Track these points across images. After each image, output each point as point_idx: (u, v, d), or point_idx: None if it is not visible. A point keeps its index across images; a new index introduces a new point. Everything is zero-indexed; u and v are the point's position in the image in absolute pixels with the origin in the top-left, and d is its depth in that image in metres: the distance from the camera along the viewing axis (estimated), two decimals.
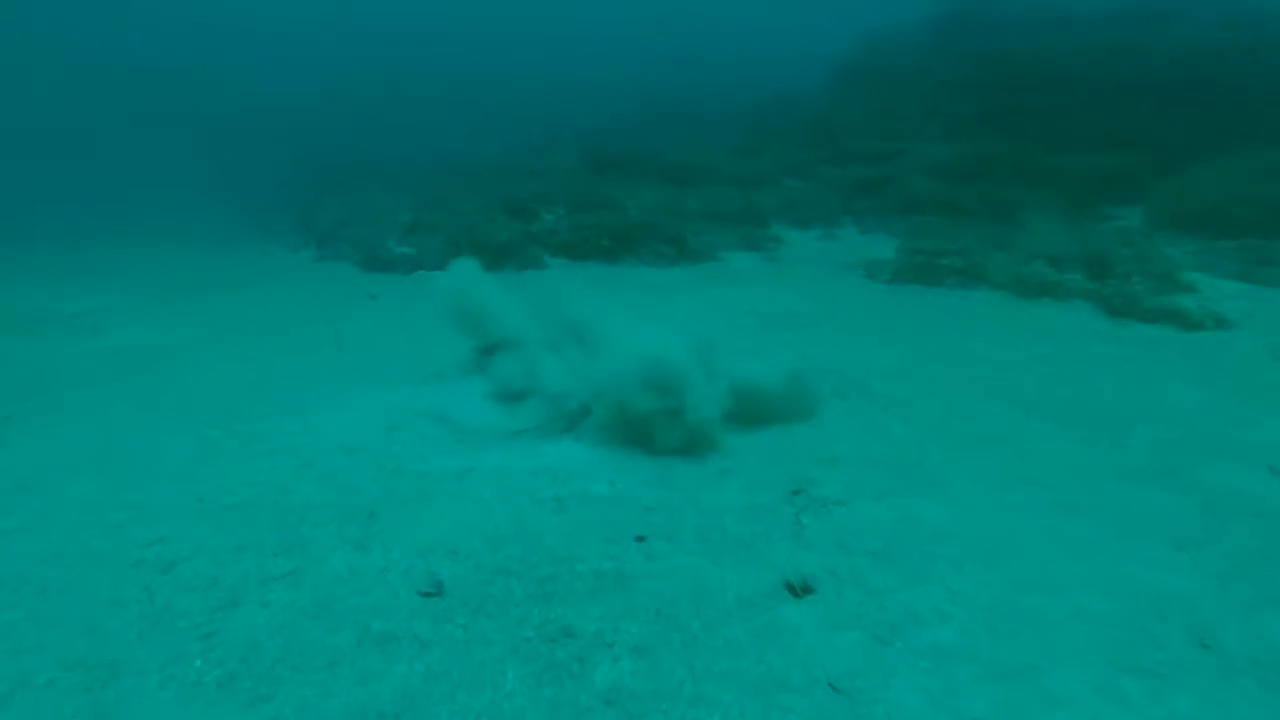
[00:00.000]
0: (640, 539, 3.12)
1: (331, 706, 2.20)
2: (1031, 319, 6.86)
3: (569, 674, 2.31)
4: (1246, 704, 2.18)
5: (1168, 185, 10.35)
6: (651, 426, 3.83)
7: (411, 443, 4.16)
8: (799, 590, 2.71)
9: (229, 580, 2.88)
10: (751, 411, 4.15)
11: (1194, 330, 6.32)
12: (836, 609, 2.62)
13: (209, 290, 9.44)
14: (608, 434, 4.01)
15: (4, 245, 14.27)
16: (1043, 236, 10.26)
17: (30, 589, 2.85)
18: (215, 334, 7.02)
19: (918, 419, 4.40)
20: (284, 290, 9.14)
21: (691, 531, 3.17)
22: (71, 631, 2.58)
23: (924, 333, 6.41)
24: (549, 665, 2.35)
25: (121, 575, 2.94)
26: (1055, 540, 3.09)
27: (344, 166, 20.15)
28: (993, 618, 2.56)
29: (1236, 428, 4.30)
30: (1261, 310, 6.85)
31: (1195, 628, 2.52)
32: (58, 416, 4.88)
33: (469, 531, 3.19)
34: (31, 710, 2.23)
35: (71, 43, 47.87)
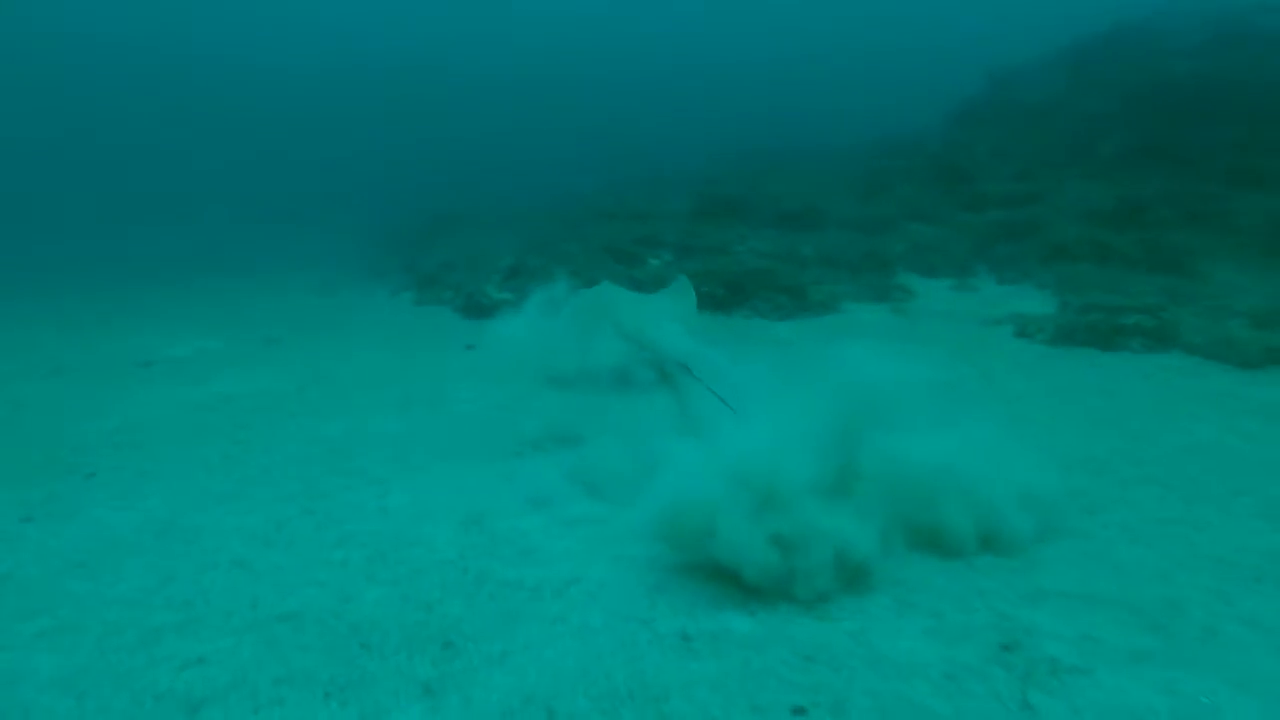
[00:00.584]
0: (799, 713, 2.26)
1: None
2: (1266, 394, 5.53)
3: None
4: None
5: None
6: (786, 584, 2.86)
7: (502, 537, 3.48)
8: None
9: None
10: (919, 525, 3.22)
11: None
12: None
13: (311, 332, 9.32)
14: None
15: (123, 283, 15.02)
16: (1233, 289, 8.79)
17: None
18: (312, 382, 6.69)
19: (1153, 538, 3.34)
20: (383, 336, 8.88)
21: (870, 703, 2.29)
22: None
23: (1124, 411, 5.23)
24: None
25: (140, 715, 2.34)
26: None
27: (453, 205, 20.57)
28: None
29: None
30: None
31: None
32: (138, 478, 4.51)
33: (570, 679, 2.43)
34: None
35: (182, 83, 52.26)
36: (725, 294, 8.69)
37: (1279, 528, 3.42)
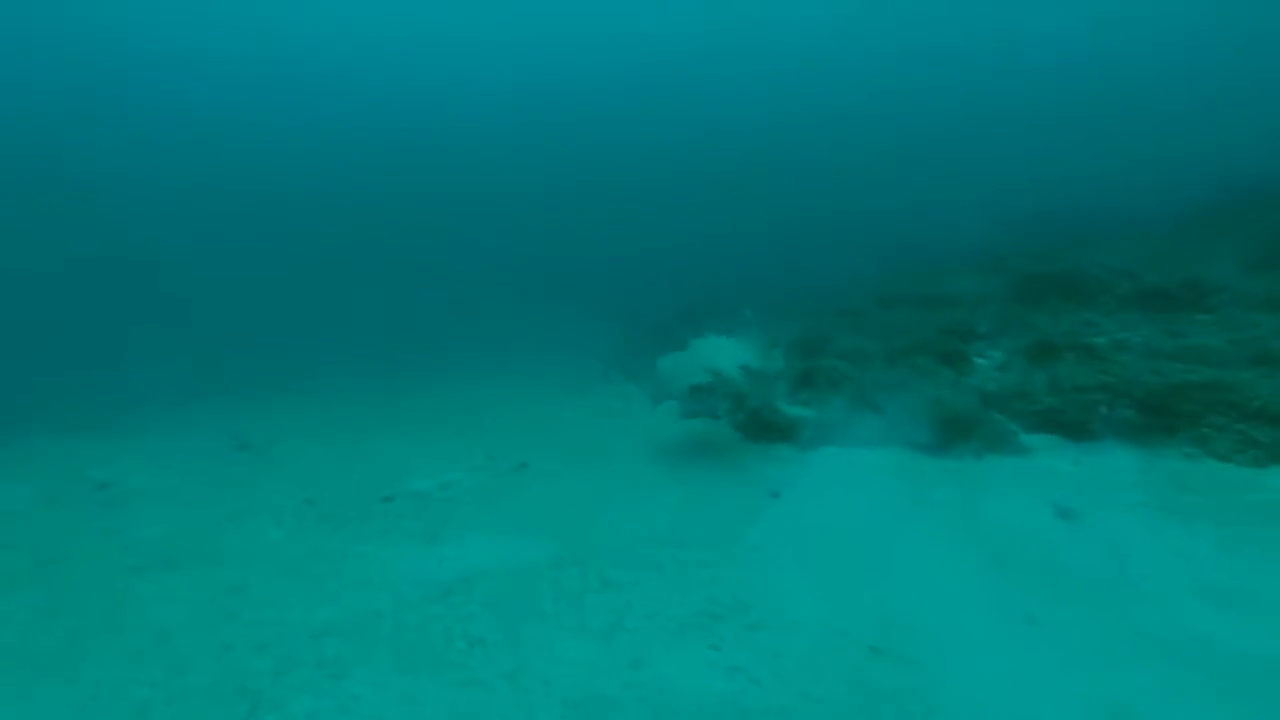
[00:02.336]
0: None
1: None
2: None
3: None
4: None
5: None
6: None
7: None
8: None
9: None
10: None
11: None
12: None
13: (565, 455, 7.95)
14: None
15: (384, 375, 15.28)
16: None
17: None
18: (569, 553, 5.03)
19: None
20: (651, 466, 7.21)
21: None
22: None
23: None
24: None
25: None
26: None
27: (702, 287, 19.27)
28: None
29: None
30: None
31: None
32: None
33: None
34: None
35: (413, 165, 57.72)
36: (1142, 417, 5.86)
37: None
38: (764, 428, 7.64)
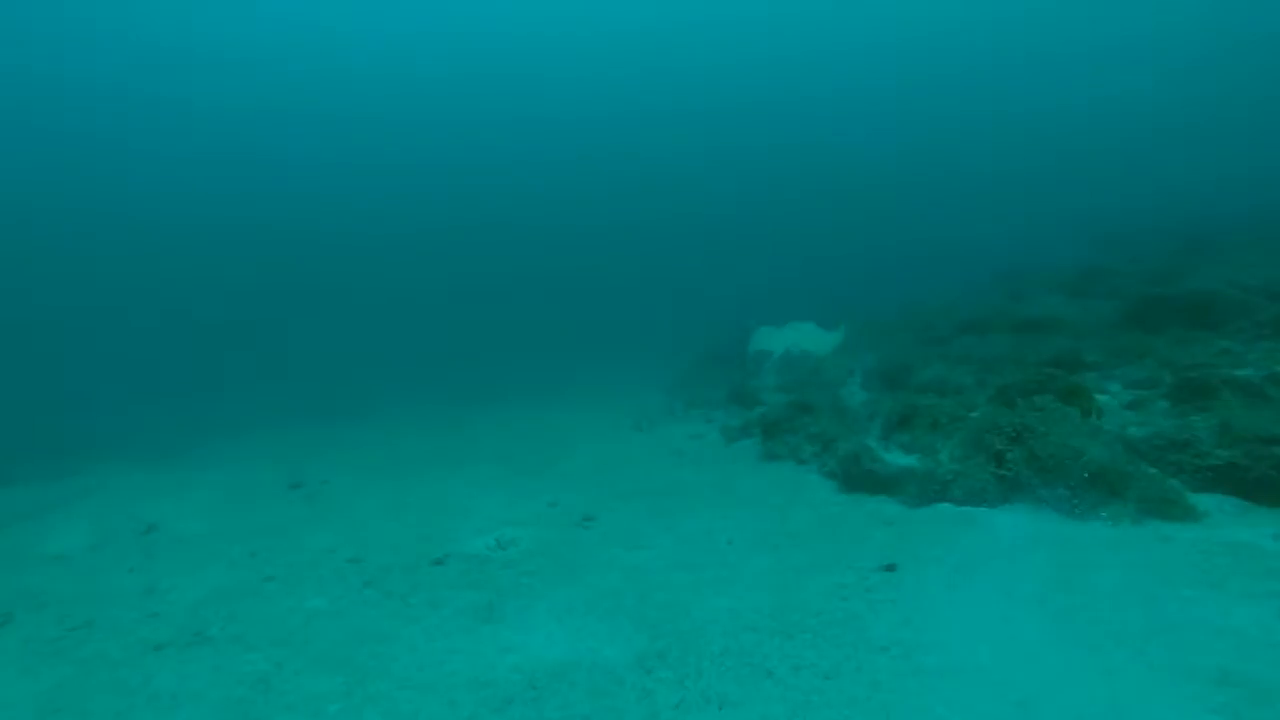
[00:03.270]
0: None
1: None
2: None
3: None
4: None
5: None
6: None
7: None
8: None
9: None
10: None
11: None
12: None
13: (636, 505, 7.13)
14: None
15: (449, 406, 14.76)
16: None
17: None
18: (655, 644, 4.19)
19: None
20: (735, 523, 6.31)
21: None
22: None
23: None
24: None
25: None
26: None
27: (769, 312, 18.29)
28: None
29: None
30: None
31: None
32: None
33: None
34: None
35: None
36: None
37: None
38: (863, 479, 6.68)
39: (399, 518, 7.68)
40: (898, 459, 6.85)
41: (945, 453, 6.61)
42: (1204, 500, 5.20)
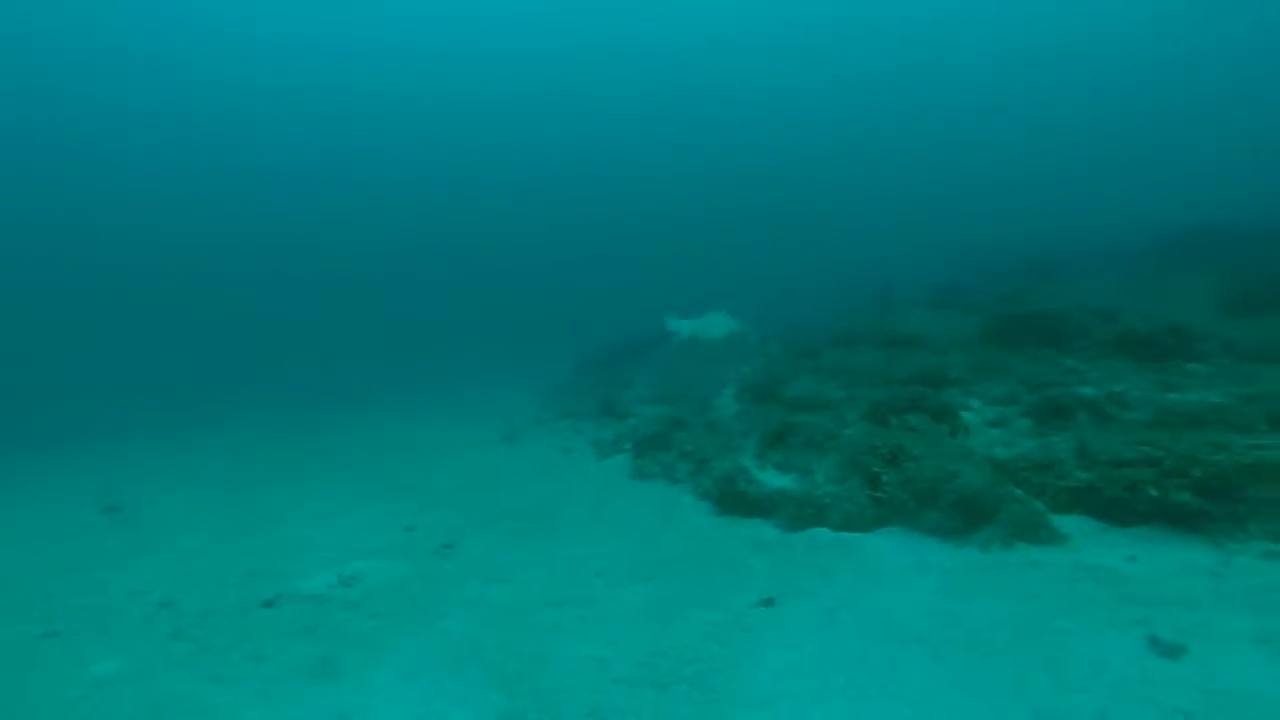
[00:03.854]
0: None
1: None
2: None
3: None
4: None
5: None
6: None
7: None
8: None
9: None
10: None
11: None
12: None
13: (500, 530, 6.54)
14: None
15: (296, 414, 13.36)
16: None
17: None
18: (517, 713, 3.66)
19: None
20: (605, 548, 5.85)
21: None
22: None
23: None
24: None
25: None
26: None
27: (637, 320, 17.98)
28: None
29: None
30: None
31: None
32: None
33: None
34: None
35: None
36: (1199, 502, 4.87)
37: None
38: (737, 501, 6.39)
39: (230, 546, 6.71)
40: (773, 479, 6.62)
41: (821, 473, 6.44)
42: (1065, 522, 5.24)
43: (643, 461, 8.18)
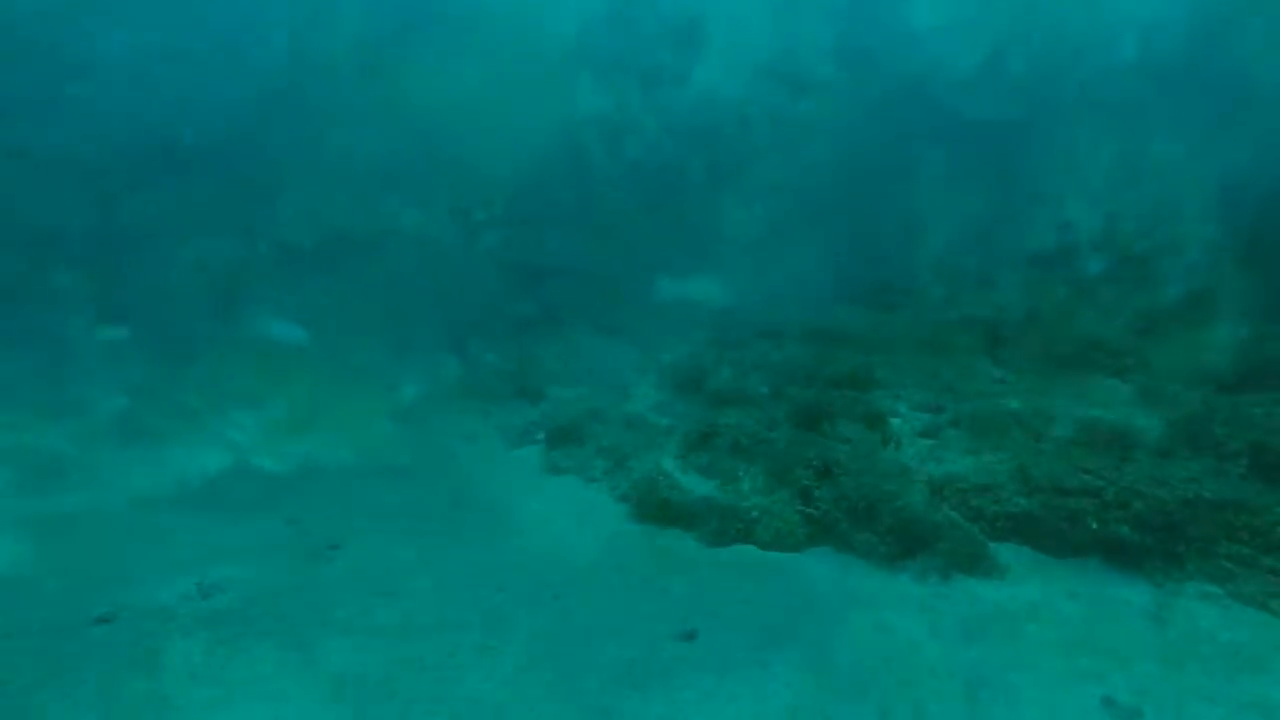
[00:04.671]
0: None
1: None
2: None
3: None
4: None
5: None
6: None
7: None
8: None
9: None
10: None
11: None
12: None
13: (391, 530, 5.77)
14: None
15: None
16: None
17: None
18: None
19: None
20: (511, 559, 5.20)
21: None
22: None
23: None
24: None
25: None
26: None
27: (546, 292, 16.98)
28: None
29: None
30: None
31: None
32: None
33: None
34: None
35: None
36: (1139, 537, 4.66)
37: None
38: (664, 509, 5.84)
39: (61, 543, 5.63)
40: (696, 485, 6.12)
41: (748, 482, 5.98)
42: (1002, 551, 4.96)
43: (555, 455, 7.53)
